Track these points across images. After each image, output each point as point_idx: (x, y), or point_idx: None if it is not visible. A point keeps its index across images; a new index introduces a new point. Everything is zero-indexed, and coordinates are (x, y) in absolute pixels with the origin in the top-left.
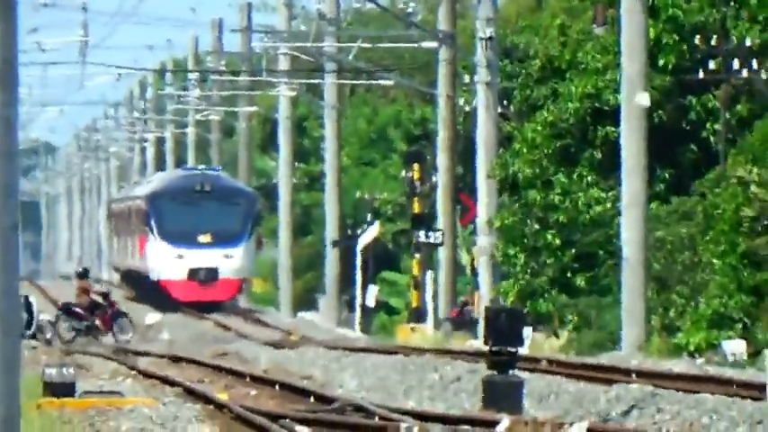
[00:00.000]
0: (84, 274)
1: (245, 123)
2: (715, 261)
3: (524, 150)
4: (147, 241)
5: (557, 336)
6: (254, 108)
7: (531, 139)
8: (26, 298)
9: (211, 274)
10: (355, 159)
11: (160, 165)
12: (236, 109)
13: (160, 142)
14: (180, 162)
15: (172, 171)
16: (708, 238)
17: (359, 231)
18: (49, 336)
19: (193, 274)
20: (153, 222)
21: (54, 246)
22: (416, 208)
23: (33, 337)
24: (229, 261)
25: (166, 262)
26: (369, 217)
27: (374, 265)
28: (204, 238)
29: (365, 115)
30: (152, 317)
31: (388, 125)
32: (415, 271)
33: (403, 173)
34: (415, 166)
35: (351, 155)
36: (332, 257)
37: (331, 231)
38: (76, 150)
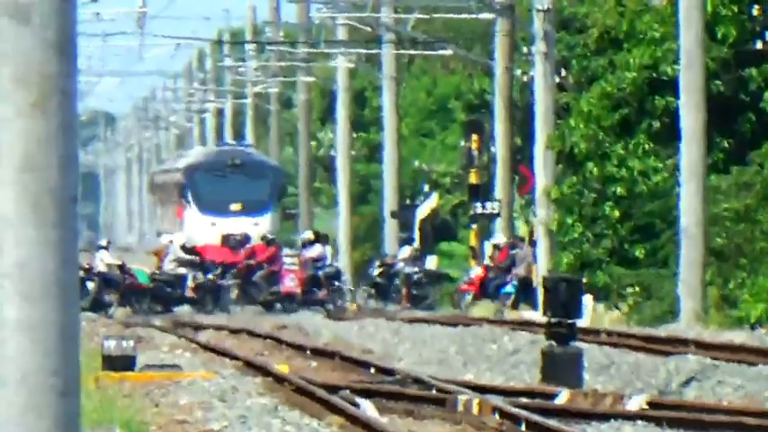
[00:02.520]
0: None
1: (304, 95)
2: None
3: (580, 124)
4: (184, 210)
5: (617, 308)
6: (311, 79)
7: (587, 111)
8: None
9: (241, 239)
10: (414, 130)
11: (219, 135)
12: (294, 80)
13: (219, 113)
14: (238, 133)
15: (207, 146)
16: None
17: (417, 202)
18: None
19: (225, 239)
20: (189, 193)
21: (113, 217)
22: (474, 179)
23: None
24: (257, 228)
25: (201, 229)
26: (426, 188)
27: (432, 235)
28: (235, 207)
29: (424, 86)
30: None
31: (447, 96)
32: (473, 242)
33: (461, 143)
34: (474, 136)
35: (410, 125)
36: (390, 228)
37: (389, 202)
38: (136, 121)
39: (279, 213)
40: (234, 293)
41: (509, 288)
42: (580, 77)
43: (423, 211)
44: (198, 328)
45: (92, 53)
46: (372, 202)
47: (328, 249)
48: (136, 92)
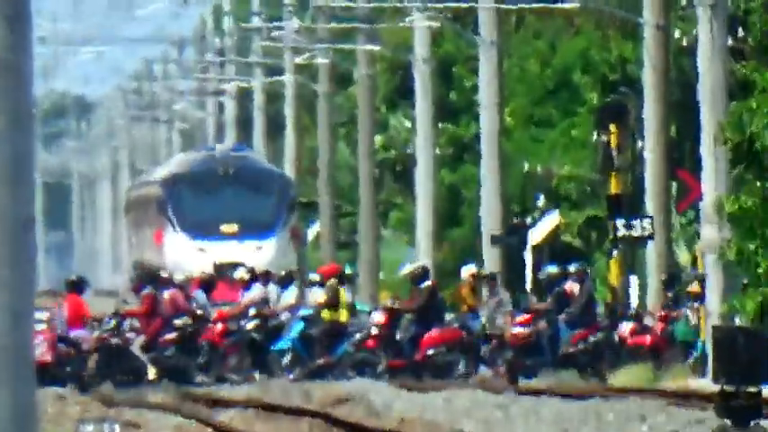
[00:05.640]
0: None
1: (366, 69)
2: None
3: (766, 107)
4: (163, 233)
5: None
6: (376, 47)
7: None
8: None
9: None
10: (524, 118)
11: (244, 128)
12: (352, 47)
13: (245, 96)
14: (278, 124)
15: (193, 152)
16: None
17: (529, 221)
18: None
19: (219, 269)
20: (170, 211)
21: (92, 246)
22: (614, 187)
23: None
24: (261, 254)
25: (186, 256)
26: (542, 201)
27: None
28: (229, 229)
29: (538, 55)
30: None
31: (571, 69)
32: (613, 276)
33: (594, 137)
34: (612, 127)
35: (517, 112)
36: (491, 258)
37: (490, 221)
38: (123, 109)
39: (288, 235)
40: None
41: (346, 347)
42: (764, 40)
43: (538, 233)
44: (216, 404)
45: (59, 13)
46: (464, 223)
47: (273, 289)
48: (123, 66)
